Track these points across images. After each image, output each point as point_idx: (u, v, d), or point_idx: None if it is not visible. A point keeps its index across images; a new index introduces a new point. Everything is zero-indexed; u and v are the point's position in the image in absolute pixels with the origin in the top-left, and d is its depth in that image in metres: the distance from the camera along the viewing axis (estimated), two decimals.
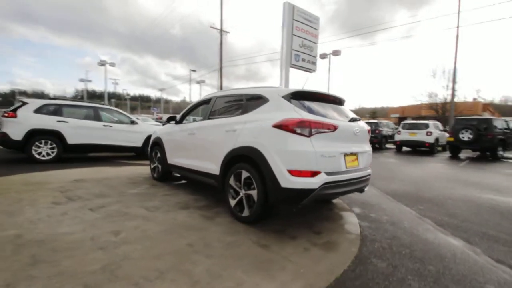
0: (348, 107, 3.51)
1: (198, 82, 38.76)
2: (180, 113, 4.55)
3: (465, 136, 11.15)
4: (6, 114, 6.17)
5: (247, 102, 3.23)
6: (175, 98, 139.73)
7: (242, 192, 2.94)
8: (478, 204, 4.20)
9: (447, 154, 12.90)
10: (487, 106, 35.91)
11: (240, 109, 3.31)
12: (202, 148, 3.69)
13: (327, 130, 2.67)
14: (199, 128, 3.80)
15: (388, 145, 16.23)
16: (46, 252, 2.09)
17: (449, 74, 27.20)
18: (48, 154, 6.38)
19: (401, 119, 32.05)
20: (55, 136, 6.40)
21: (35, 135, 6.20)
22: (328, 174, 2.61)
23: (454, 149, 11.97)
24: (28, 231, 2.44)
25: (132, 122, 7.57)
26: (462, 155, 12.63)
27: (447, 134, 13.76)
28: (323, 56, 23.84)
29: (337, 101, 3.30)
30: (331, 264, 2.15)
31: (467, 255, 2.41)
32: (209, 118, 3.75)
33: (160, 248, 2.26)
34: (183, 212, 3.20)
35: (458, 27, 16.94)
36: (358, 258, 2.28)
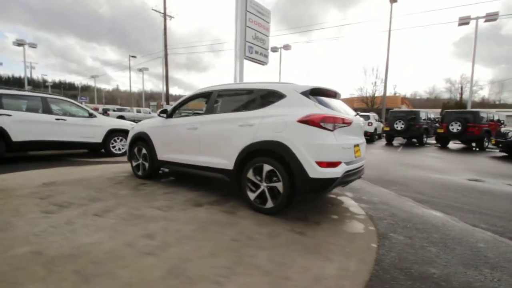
0: None
1: (140, 70, 35.46)
2: (171, 107, 4.29)
3: (399, 126, 13.16)
4: None
5: (261, 97, 3.29)
6: (106, 86, 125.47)
7: (264, 185, 3.04)
8: (431, 182, 5.16)
9: (383, 141, 15.00)
10: (404, 100, 42.51)
11: (251, 103, 3.36)
12: (208, 143, 3.61)
13: (345, 125, 2.97)
14: (203, 122, 3.69)
15: None
16: (88, 265, 1.88)
17: (377, 72, 31.21)
18: None
19: None
20: None
21: None
22: (346, 164, 2.92)
23: (389, 137, 14.03)
24: (44, 246, 2.12)
25: (91, 115, 6.71)
26: (395, 142, 14.87)
27: (382, 125, 15.99)
28: (274, 50, 24.56)
29: (337, 96, 3.63)
30: (364, 241, 2.48)
31: (452, 223, 3.05)
32: (213, 112, 3.68)
33: (209, 246, 2.25)
34: (200, 209, 3.14)
35: (389, 30, 19.47)
36: (380, 234, 2.66)
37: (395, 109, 15.23)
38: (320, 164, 2.74)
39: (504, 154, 9.66)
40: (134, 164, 4.69)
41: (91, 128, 6.65)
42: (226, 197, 3.65)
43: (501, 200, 4.11)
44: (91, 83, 78.05)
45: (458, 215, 3.34)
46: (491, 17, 17.29)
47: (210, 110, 3.74)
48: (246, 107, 3.44)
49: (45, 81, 54.97)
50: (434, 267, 2.07)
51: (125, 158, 6.67)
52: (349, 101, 38.41)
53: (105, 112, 23.30)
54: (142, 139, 4.53)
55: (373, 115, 15.35)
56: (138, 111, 27.70)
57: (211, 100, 3.77)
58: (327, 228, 2.76)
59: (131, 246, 2.18)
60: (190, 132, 3.80)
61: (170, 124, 4.16)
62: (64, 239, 2.25)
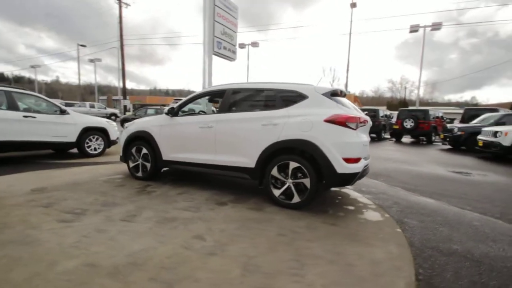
0: None
1: (92, 61, 32.06)
2: (177, 104, 4.13)
3: None
4: None
5: (281, 98, 3.41)
6: (45, 78, 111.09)
7: (289, 181, 3.18)
8: (408, 173, 5.85)
9: None
10: (356, 98, 46.28)
11: (272, 103, 3.46)
12: (225, 141, 3.60)
13: (363, 124, 3.26)
14: (219, 121, 3.66)
15: None
16: (160, 271, 1.82)
17: (334, 72, 33.34)
18: None
19: None
20: None
21: None
22: (364, 159, 3.22)
23: None
24: (93, 258, 1.97)
25: (62, 112, 6.03)
26: None
27: None
28: (242, 46, 24.52)
29: (345, 95, 3.92)
30: (389, 227, 2.80)
31: (445, 207, 3.57)
32: (228, 111, 3.68)
33: (262, 242, 2.32)
34: (227, 208, 3.15)
35: (350, 33, 20.98)
36: (397, 221, 3.01)
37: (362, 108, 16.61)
38: (347, 160, 2.98)
39: (449, 147, 11.28)
40: (132, 165, 4.41)
41: (63, 126, 5.98)
42: (244, 194, 3.70)
43: (470, 186, 4.87)
44: (24, 73, 68.29)
45: (445, 200, 3.92)
46: (436, 26, 20.29)
47: (224, 109, 3.72)
48: (266, 106, 3.51)
49: None
50: (454, 244, 2.46)
51: (102, 159, 6.25)
52: None
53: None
54: (141, 139, 4.29)
55: None
56: (92, 106, 25.09)
57: (226, 99, 3.75)
58: (352, 218, 3.03)
59: (189, 248, 2.15)
60: (204, 131, 3.73)
61: (178, 123, 4.02)
62: (110, 248, 2.11)
